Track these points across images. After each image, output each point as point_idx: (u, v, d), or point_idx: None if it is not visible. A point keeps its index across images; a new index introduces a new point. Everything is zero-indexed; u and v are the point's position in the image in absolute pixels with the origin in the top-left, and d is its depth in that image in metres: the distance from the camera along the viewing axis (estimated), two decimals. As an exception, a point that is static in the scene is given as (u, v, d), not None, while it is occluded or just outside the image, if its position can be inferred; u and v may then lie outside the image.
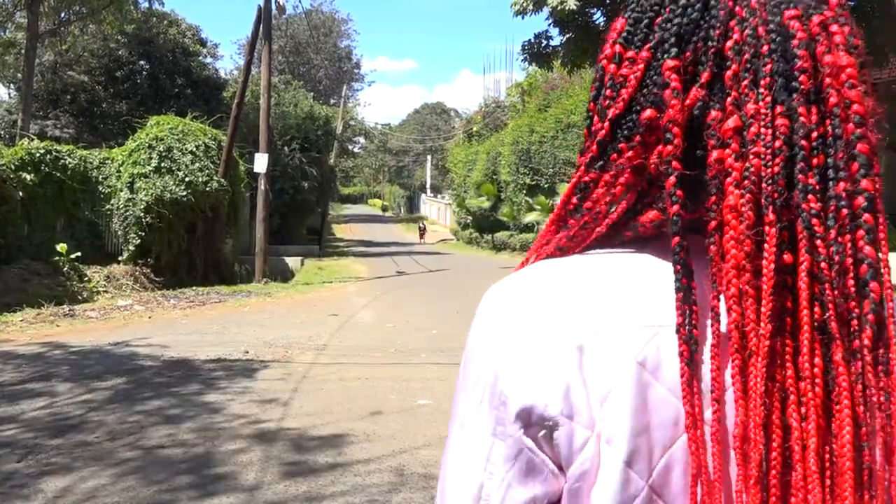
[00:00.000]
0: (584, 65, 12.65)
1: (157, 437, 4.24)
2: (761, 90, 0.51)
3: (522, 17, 11.70)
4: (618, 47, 0.58)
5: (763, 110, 0.51)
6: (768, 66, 0.51)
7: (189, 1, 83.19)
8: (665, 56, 0.54)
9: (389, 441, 4.16)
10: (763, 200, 0.50)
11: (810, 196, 0.50)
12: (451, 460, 0.59)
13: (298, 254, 22.67)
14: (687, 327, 0.51)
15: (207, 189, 14.63)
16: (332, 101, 53.54)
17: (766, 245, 0.50)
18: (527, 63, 13.57)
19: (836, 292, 0.49)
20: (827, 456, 0.48)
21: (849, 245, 0.49)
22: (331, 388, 5.45)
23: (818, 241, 0.49)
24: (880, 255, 0.49)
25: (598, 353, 0.52)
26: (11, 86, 29.15)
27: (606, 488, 0.51)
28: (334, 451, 3.98)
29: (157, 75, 28.52)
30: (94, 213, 14.99)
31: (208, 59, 32.82)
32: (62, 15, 24.35)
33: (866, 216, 0.49)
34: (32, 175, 13.83)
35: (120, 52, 28.65)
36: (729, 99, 0.52)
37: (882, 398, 0.47)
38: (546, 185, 23.16)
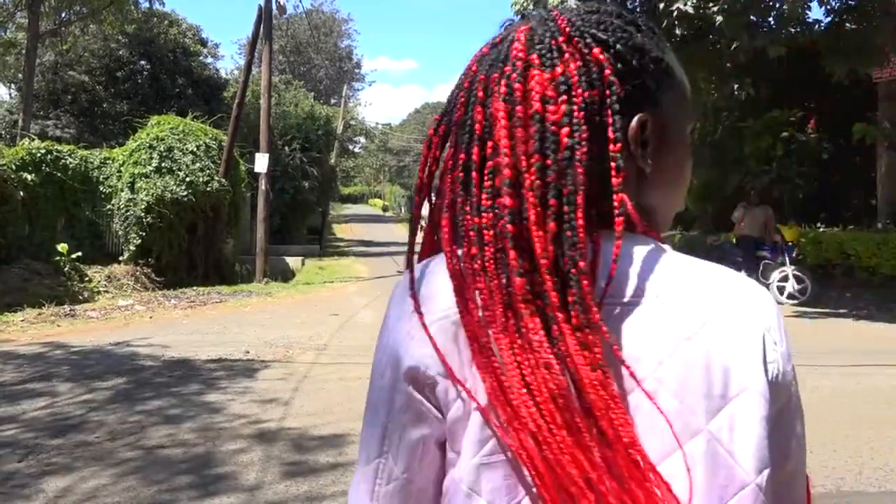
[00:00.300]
0: (584, 64, 12.65)
1: (157, 437, 4.24)
2: (453, 137, 0.73)
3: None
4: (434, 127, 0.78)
5: (450, 151, 0.73)
6: (460, 122, 0.72)
7: (190, 1, 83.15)
8: (435, 126, 0.78)
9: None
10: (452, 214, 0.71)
11: (465, 214, 0.68)
12: (366, 413, 0.74)
13: (299, 254, 22.66)
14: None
15: (208, 189, 14.63)
16: (332, 101, 53.53)
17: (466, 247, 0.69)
18: (527, 63, 13.57)
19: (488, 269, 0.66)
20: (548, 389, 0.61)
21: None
22: (331, 388, 5.45)
23: (481, 239, 0.67)
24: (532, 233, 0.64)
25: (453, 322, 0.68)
26: (12, 86, 29.16)
27: (471, 430, 0.66)
28: (335, 450, 3.98)
29: (158, 75, 28.52)
30: (95, 213, 15.00)
31: (209, 59, 32.81)
32: (63, 15, 24.35)
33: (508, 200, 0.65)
34: (33, 175, 13.84)
35: (121, 52, 28.65)
36: (452, 140, 0.73)
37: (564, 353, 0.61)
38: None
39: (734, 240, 12.06)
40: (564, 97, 0.66)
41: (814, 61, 11.95)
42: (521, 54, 0.68)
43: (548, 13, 0.74)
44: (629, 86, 0.68)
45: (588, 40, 0.68)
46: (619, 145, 0.65)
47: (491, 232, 0.65)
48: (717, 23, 9.49)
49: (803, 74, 13.19)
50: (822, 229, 11.70)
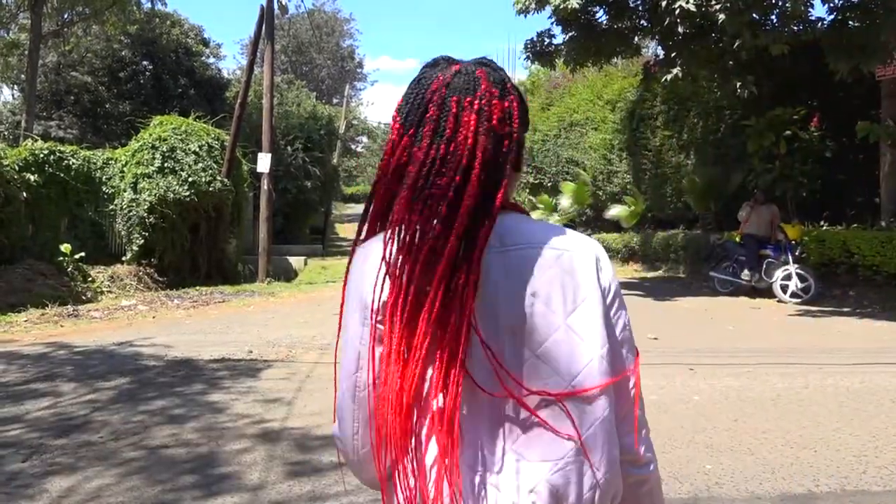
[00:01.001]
0: (586, 63, 12.63)
1: (161, 437, 4.24)
2: (428, 137, 1.03)
3: (525, 16, 11.68)
4: (395, 111, 1.08)
5: (426, 144, 1.02)
6: (434, 123, 1.03)
7: (192, 1, 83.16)
8: (400, 120, 1.07)
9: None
10: (412, 190, 1.02)
11: (427, 190, 1.01)
12: (343, 345, 1.09)
13: (302, 253, 22.67)
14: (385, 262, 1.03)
15: (211, 189, 14.64)
16: (334, 101, 53.53)
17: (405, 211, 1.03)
18: (529, 62, 13.56)
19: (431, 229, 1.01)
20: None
21: (437, 208, 1.01)
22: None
23: (426, 209, 1.02)
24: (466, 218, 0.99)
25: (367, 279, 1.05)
26: (15, 87, 29.22)
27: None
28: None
29: (161, 75, 28.55)
30: (98, 213, 15.01)
31: (211, 60, 32.82)
32: (65, 16, 24.37)
33: (467, 198, 1.00)
34: (36, 176, 13.86)
35: (123, 53, 28.68)
36: (423, 142, 1.03)
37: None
38: (549, 184, 23.10)
39: (737, 238, 12.04)
40: (507, 121, 1.05)
41: (817, 59, 11.91)
42: (490, 89, 1.04)
43: (476, 63, 1.10)
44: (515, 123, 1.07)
45: (515, 90, 1.08)
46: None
47: (436, 197, 1.00)
48: (720, 21, 9.47)
49: (806, 72, 13.15)
50: (825, 228, 11.67)
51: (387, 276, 1.01)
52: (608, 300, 1.07)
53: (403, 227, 1.01)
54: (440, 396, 0.97)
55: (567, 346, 1.01)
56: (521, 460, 0.99)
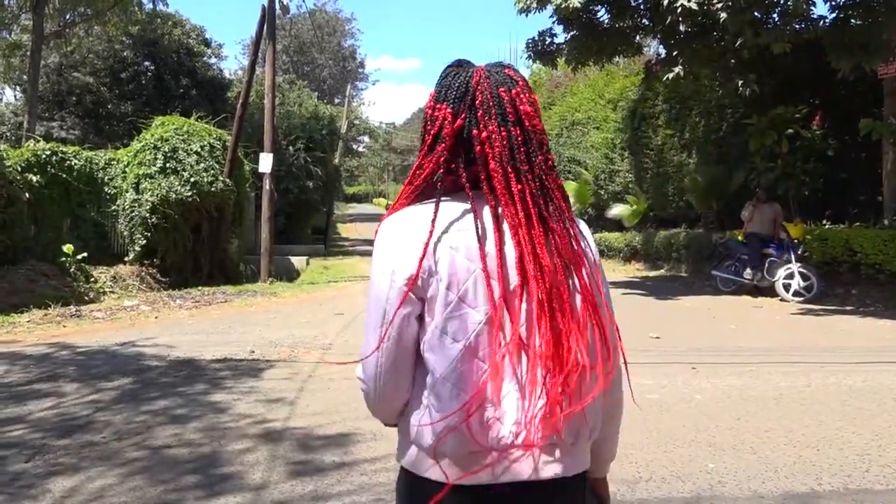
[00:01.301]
0: (588, 62, 12.62)
1: (163, 437, 4.24)
2: (493, 119, 1.23)
3: (526, 15, 11.67)
4: (432, 102, 1.29)
5: (494, 128, 1.23)
6: (494, 110, 1.23)
7: (193, 1, 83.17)
8: (448, 106, 1.26)
9: (396, 440, 4.16)
10: (510, 166, 1.22)
11: (523, 164, 1.22)
12: (370, 305, 1.27)
13: (304, 253, 22.68)
14: (479, 230, 1.22)
15: (212, 189, 14.65)
16: (336, 101, 53.54)
17: (513, 185, 1.22)
18: (531, 61, 13.54)
19: (540, 201, 1.23)
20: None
21: (545, 184, 1.24)
22: (337, 388, 5.45)
23: (530, 181, 1.23)
24: (559, 190, 1.26)
25: (438, 244, 1.21)
26: (17, 88, 29.28)
27: (439, 300, 1.20)
28: (341, 450, 3.98)
29: (162, 76, 28.57)
30: (100, 213, 15.03)
31: (213, 60, 32.84)
32: (67, 17, 24.40)
33: (552, 174, 1.25)
34: (38, 176, 13.88)
35: (125, 54, 28.70)
36: (481, 124, 1.24)
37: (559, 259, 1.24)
38: (551, 183, 23.10)
39: (740, 237, 12.03)
40: (539, 114, 1.31)
41: (818, 57, 11.88)
42: (525, 84, 1.30)
43: (499, 64, 1.33)
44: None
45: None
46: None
47: (523, 172, 1.24)
48: (721, 19, 9.46)
49: (808, 70, 13.13)
50: (827, 226, 11.65)
51: (481, 232, 1.23)
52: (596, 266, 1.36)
53: (507, 198, 1.23)
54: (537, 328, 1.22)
55: (601, 286, 1.34)
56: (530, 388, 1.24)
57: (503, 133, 1.22)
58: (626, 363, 1.34)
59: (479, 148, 1.23)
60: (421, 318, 1.23)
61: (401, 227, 1.26)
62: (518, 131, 1.23)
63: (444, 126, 1.25)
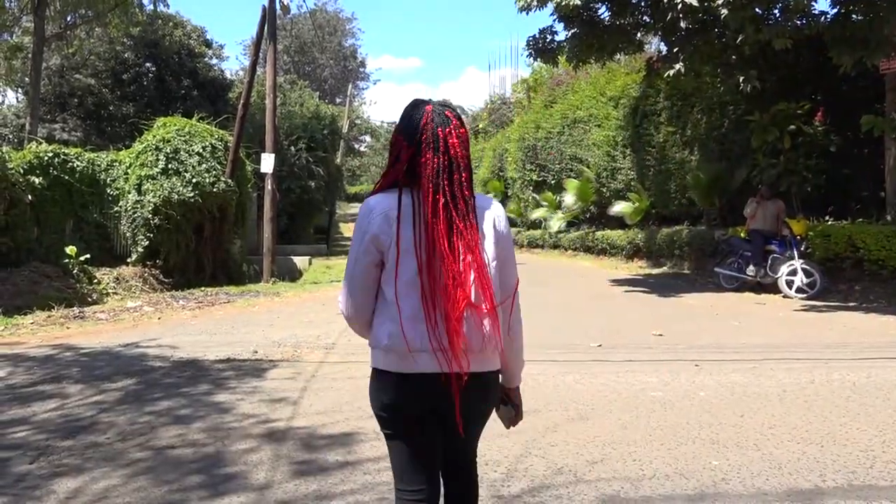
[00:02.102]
0: (589, 60, 12.60)
1: (167, 438, 4.25)
2: (429, 150, 1.96)
3: (527, 13, 11.67)
4: (396, 134, 2.04)
5: (429, 157, 1.95)
6: (431, 145, 1.96)
7: (194, 2, 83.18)
8: (404, 140, 2.01)
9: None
10: (432, 182, 1.94)
11: (444, 181, 1.95)
12: (349, 261, 2.03)
13: (306, 253, 22.69)
14: (400, 210, 1.96)
15: (215, 190, 14.66)
16: (337, 101, 53.56)
17: (431, 194, 1.95)
18: (532, 59, 13.54)
19: (451, 206, 1.95)
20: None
21: (456, 194, 1.97)
22: (340, 387, 5.46)
23: (447, 192, 1.95)
24: (468, 198, 2.00)
25: (389, 216, 1.96)
26: (19, 90, 29.32)
27: (391, 252, 1.95)
28: (344, 449, 3.98)
29: (164, 77, 28.61)
30: (103, 215, 15.06)
31: (214, 61, 32.88)
32: (68, 19, 24.44)
33: (466, 187, 1.99)
34: (41, 178, 13.90)
35: (126, 55, 28.74)
36: (422, 154, 1.97)
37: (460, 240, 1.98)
38: (553, 182, 23.08)
39: (742, 234, 12.01)
40: (467, 144, 2.02)
41: (820, 53, 11.85)
42: (457, 124, 1.99)
43: (442, 105, 2.02)
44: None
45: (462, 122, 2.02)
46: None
47: (442, 185, 1.95)
48: (722, 16, 9.44)
49: (810, 66, 13.10)
50: (830, 222, 11.62)
51: (402, 220, 1.95)
52: (508, 234, 2.12)
53: (430, 200, 1.94)
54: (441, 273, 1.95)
55: (501, 255, 2.09)
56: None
57: (434, 160, 1.95)
58: (517, 315, 2.18)
59: (419, 168, 1.96)
60: (382, 263, 1.99)
61: (372, 206, 2.01)
62: (445, 159, 1.96)
63: (402, 152, 2.00)
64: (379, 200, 2.00)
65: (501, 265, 2.03)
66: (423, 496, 2.04)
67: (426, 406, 2.00)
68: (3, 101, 32.87)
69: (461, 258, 1.93)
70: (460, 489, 2.20)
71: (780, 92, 13.00)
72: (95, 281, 13.11)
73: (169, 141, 14.84)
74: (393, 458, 2.11)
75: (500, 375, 2.15)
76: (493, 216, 2.04)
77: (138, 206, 14.41)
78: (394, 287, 1.93)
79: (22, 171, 13.48)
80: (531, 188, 24.70)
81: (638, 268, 17.04)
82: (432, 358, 1.92)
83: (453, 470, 2.18)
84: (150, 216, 14.18)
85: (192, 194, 14.31)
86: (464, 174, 1.96)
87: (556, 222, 22.40)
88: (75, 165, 14.76)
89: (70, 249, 12.97)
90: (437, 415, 2.01)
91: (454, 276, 1.91)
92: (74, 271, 12.77)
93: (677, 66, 10.69)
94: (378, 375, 2.02)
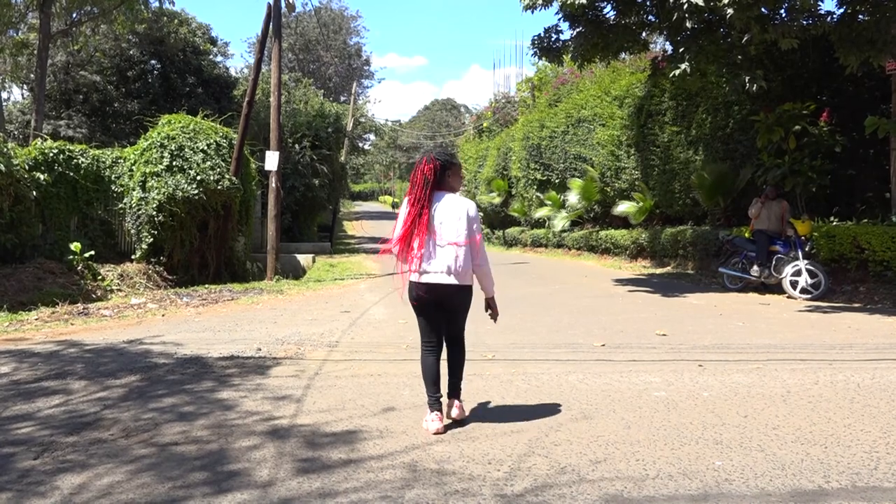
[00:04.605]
0: (594, 59, 12.58)
1: (171, 434, 4.26)
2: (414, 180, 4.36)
3: (532, 12, 11.65)
4: (423, 165, 4.39)
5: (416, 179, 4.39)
6: (419, 179, 4.33)
7: (199, 0, 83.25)
8: (429, 165, 4.36)
9: (402, 437, 4.17)
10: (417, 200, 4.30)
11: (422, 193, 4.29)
12: (396, 222, 4.34)
13: (310, 251, 22.73)
14: (416, 207, 4.28)
15: (219, 187, 14.69)
16: (342, 99, 53.57)
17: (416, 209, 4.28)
18: (537, 58, 13.51)
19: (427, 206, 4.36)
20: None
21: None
22: (343, 385, 5.46)
23: (425, 210, 4.26)
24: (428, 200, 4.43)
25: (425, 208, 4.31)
26: (25, 86, 29.38)
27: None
28: (347, 447, 3.98)
29: (169, 74, 28.64)
30: (107, 212, 15.11)
31: (219, 58, 32.94)
32: (74, 15, 24.48)
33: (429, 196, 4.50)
34: (46, 175, 13.95)
35: (131, 52, 28.79)
36: (448, 172, 4.44)
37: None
38: (557, 181, 23.06)
39: (747, 234, 11.98)
40: (435, 172, 4.30)
41: (826, 53, 11.82)
42: (426, 163, 4.31)
43: (426, 153, 4.52)
44: (447, 169, 4.35)
45: (444, 157, 4.39)
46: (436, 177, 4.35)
47: (421, 196, 4.27)
48: (728, 15, 9.41)
49: (815, 67, 13.06)
50: (835, 223, 11.59)
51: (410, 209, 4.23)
52: (476, 218, 4.33)
53: (413, 199, 4.23)
54: (418, 238, 4.21)
55: (457, 228, 4.22)
56: (440, 257, 4.21)
57: (418, 178, 4.26)
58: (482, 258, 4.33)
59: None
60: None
61: (403, 204, 4.29)
62: (421, 178, 4.24)
63: (424, 178, 4.25)
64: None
65: (469, 230, 4.24)
66: (433, 345, 4.35)
67: (434, 300, 4.23)
68: (9, 98, 32.96)
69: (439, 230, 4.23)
70: (456, 353, 4.46)
71: (786, 92, 12.97)
72: (100, 277, 13.14)
73: (174, 138, 14.86)
74: (419, 325, 4.37)
75: (482, 289, 4.44)
76: (466, 208, 4.28)
77: (143, 202, 14.44)
78: (420, 241, 4.20)
79: (27, 167, 13.52)
80: (535, 187, 24.67)
81: (642, 267, 17.02)
82: (436, 276, 4.18)
83: (450, 338, 4.42)
84: (154, 213, 14.21)
85: (196, 191, 14.34)
86: (428, 189, 4.25)
87: (560, 221, 22.38)
88: (80, 162, 14.80)
89: (74, 246, 13.01)
90: (442, 306, 4.27)
91: (443, 235, 4.21)
92: (79, 268, 12.81)
93: (682, 66, 10.66)
94: (411, 284, 4.25)
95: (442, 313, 4.28)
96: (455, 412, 4.44)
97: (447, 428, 4.29)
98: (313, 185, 25.82)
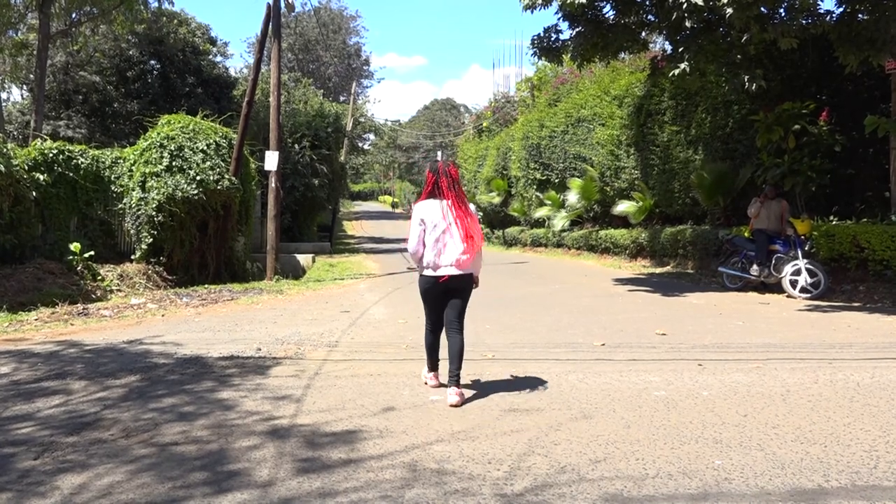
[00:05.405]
0: (593, 59, 12.58)
1: (171, 435, 4.26)
2: (443, 179, 5.22)
3: (532, 12, 11.65)
4: (431, 174, 5.28)
5: (446, 185, 5.19)
6: (444, 178, 5.22)
7: (199, 0, 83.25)
8: (433, 175, 5.26)
9: (402, 437, 4.17)
10: (447, 191, 5.23)
11: (452, 190, 5.21)
12: (411, 226, 5.18)
13: (309, 251, 22.73)
14: (441, 207, 5.14)
15: (219, 187, 14.69)
16: (341, 99, 53.55)
17: (450, 202, 5.20)
18: (536, 58, 13.50)
19: (457, 201, 5.19)
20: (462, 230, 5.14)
21: (459, 196, 5.25)
22: (343, 385, 5.47)
23: (453, 197, 5.18)
24: (462, 197, 5.30)
25: (427, 210, 5.14)
26: (24, 87, 29.37)
27: (429, 224, 5.13)
28: (347, 447, 3.99)
29: (168, 74, 28.64)
30: (107, 212, 15.11)
31: (218, 58, 32.94)
32: (73, 16, 24.48)
33: (462, 193, 5.39)
34: (46, 175, 13.95)
35: (131, 52, 28.79)
36: (441, 179, 5.26)
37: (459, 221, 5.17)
38: (556, 180, 23.06)
39: (746, 234, 11.98)
40: (455, 183, 5.22)
41: (826, 53, 11.81)
42: (450, 167, 5.25)
43: (443, 160, 6.37)
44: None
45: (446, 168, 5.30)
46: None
47: (451, 195, 5.17)
48: (727, 15, 9.41)
49: (815, 66, 13.06)
50: (834, 222, 11.59)
51: (441, 208, 5.08)
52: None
53: (447, 200, 5.11)
54: (455, 233, 5.08)
55: (478, 227, 5.20)
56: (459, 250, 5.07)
57: (444, 181, 5.11)
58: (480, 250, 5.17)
59: (441, 185, 5.13)
60: (424, 230, 5.06)
61: (421, 206, 5.12)
62: (447, 182, 5.10)
63: (434, 181, 5.17)
64: (424, 203, 5.11)
65: (475, 227, 5.09)
66: (434, 325, 5.26)
67: (441, 289, 5.06)
68: (9, 98, 32.96)
69: (465, 223, 5.03)
70: (455, 338, 5.07)
71: (785, 91, 12.97)
72: (99, 278, 13.14)
73: (173, 138, 14.86)
74: (425, 309, 5.25)
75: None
76: (472, 208, 5.21)
77: (142, 203, 14.44)
78: (430, 239, 5.04)
79: (27, 167, 13.52)
80: (535, 187, 24.67)
81: (641, 267, 17.02)
82: (447, 269, 4.98)
83: (451, 322, 5.11)
84: (154, 213, 14.21)
85: (196, 192, 14.34)
86: (460, 188, 5.14)
87: (560, 221, 22.39)
88: (80, 162, 14.80)
89: (74, 246, 13.01)
90: (448, 293, 5.07)
91: (465, 230, 5.01)
92: (78, 268, 12.81)
93: (682, 66, 10.66)
94: (421, 277, 5.11)
95: (446, 301, 5.21)
96: (455, 399, 4.86)
97: (441, 385, 5.30)
98: (313, 184, 25.82)
